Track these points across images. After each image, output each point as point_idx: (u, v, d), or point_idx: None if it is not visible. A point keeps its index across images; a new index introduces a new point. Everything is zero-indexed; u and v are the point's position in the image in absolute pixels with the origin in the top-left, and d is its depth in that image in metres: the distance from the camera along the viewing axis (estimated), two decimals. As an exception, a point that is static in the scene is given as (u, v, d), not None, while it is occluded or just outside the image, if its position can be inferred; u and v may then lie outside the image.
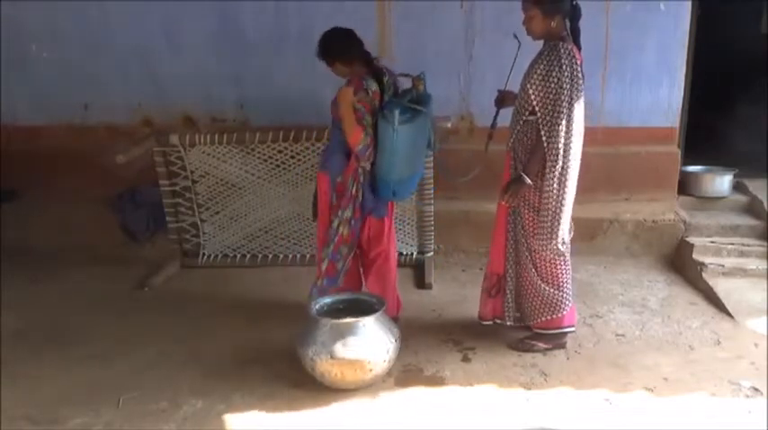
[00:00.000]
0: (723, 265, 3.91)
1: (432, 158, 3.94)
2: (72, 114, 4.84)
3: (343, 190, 3.05)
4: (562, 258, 3.03)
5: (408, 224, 4.29)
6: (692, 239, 4.22)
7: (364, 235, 3.21)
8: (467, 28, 4.47)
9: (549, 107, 2.79)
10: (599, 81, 4.54)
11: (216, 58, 4.66)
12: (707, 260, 3.98)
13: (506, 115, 3.08)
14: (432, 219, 4.20)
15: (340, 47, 2.99)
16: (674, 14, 4.45)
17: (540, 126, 2.83)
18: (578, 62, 2.80)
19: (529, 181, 2.89)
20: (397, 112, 2.84)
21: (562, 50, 2.74)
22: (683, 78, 4.57)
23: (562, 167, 2.83)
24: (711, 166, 4.78)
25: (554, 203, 2.88)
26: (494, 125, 3.16)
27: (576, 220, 4.53)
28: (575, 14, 2.86)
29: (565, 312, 3.07)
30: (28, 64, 4.78)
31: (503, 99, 3.15)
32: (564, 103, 2.76)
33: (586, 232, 4.42)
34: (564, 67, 2.73)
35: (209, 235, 4.42)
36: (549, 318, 3.07)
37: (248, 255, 4.40)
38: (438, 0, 4.45)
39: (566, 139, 2.81)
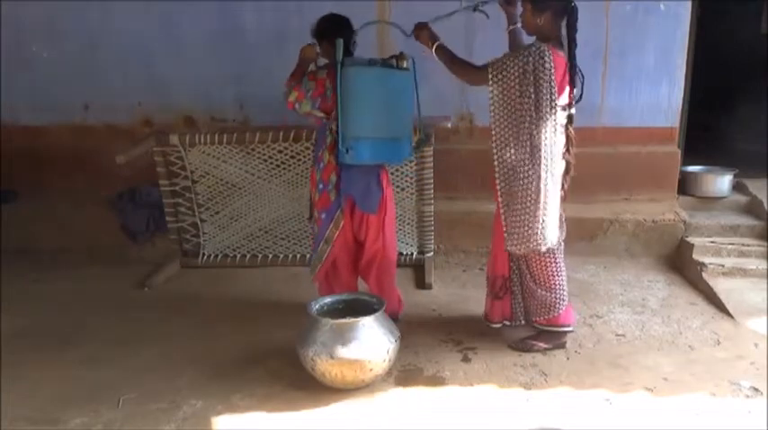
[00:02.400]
0: (723, 265, 3.91)
1: (431, 158, 3.96)
2: (72, 114, 4.84)
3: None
4: (552, 259, 3.00)
5: (408, 224, 4.29)
6: (692, 239, 4.22)
7: (361, 233, 3.22)
8: (467, 27, 4.47)
9: (498, 106, 2.80)
10: (599, 81, 4.54)
11: (216, 58, 4.67)
12: (707, 260, 3.98)
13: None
14: (432, 219, 4.20)
15: (325, 27, 3.08)
16: (674, 14, 4.45)
17: (491, 125, 2.83)
18: (552, 67, 2.71)
19: (433, 51, 2.91)
20: (341, 45, 2.86)
21: (534, 50, 2.71)
22: (683, 78, 4.57)
23: (532, 168, 2.79)
24: (711, 166, 4.78)
25: (529, 203, 2.82)
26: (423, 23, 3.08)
27: (576, 220, 4.53)
28: (571, 20, 2.78)
29: (559, 312, 3.06)
30: (28, 64, 4.78)
31: (420, 32, 3.06)
32: (528, 105, 2.73)
33: (586, 232, 4.43)
34: (528, 66, 2.69)
35: (209, 235, 4.42)
36: (543, 318, 3.08)
37: (248, 255, 4.40)
38: (438, 0, 4.45)
39: (534, 141, 2.76)
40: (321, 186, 3.12)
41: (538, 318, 3.10)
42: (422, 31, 3.00)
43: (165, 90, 4.74)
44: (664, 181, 4.66)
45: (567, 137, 2.90)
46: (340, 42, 2.88)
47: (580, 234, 4.44)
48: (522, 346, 3.14)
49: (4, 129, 4.85)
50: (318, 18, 3.13)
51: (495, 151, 2.85)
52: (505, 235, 2.92)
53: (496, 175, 2.88)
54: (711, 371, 2.91)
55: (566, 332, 3.14)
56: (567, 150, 2.93)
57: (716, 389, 2.77)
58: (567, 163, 2.96)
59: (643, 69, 4.56)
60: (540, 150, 2.78)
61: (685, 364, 2.99)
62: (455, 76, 2.98)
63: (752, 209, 4.53)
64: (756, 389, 2.76)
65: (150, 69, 4.72)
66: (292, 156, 4.15)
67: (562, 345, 3.14)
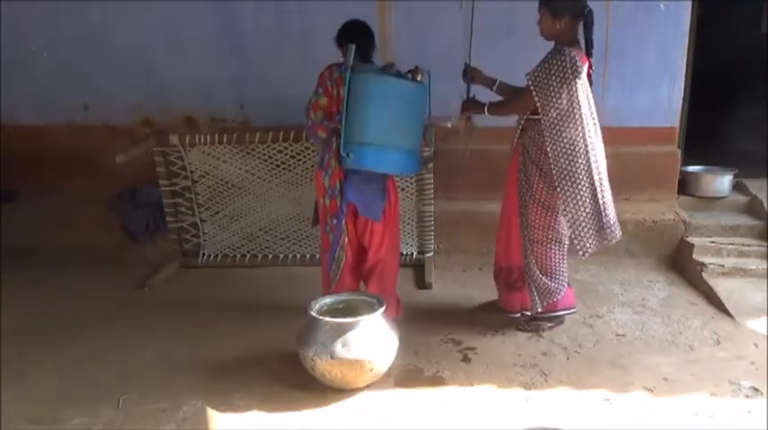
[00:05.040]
0: (723, 265, 3.91)
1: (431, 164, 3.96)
2: (72, 114, 4.84)
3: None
4: (557, 247, 3.16)
5: (408, 224, 4.29)
6: (692, 239, 4.22)
7: (365, 239, 3.23)
8: (467, 28, 4.47)
9: (550, 110, 2.89)
10: (599, 81, 4.52)
11: (216, 59, 4.66)
12: (707, 260, 3.98)
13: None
14: (432, 219, 4.20)
15: (344, 33, 3.11)
16: (674, 14, 4.45)
17: (544, 131, 2.92)
18: (583, 67, 2.88)
19: (486, 111, 3.11)
20: (352, 50, 2.89)
21: (566, 54, 2.83)
22: (683, 78, 4.57)
23: (572, 169, 2.92)
24: (711, 166, 4.77)
25: (573, 206, 2.97)
26: (469, 98, 3.27)
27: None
28: (588, 22, 2.94)
29: (558, 297, 3.21)
30: (28, 64, 4.78)
31: (467, 73, 3.26)
32: (562, 106, 2.86)
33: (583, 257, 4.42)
34: (567, 70, 2.82)
35: (209, 235, 4.42)
36: (544, 304, 3.22)
37: (248, 255, 4.40)
38: (438, 0, 4.46)
39: (572, 142, 2.90)
40: (330, 192, 3.13)
41: (539, 308, 3.24)
42: (468, 107, 3.24)
43: (165, 90, 4.74)
44: (664, 181, 4.65)
45: None
46: (351, 48, 2.89)
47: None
48: (530, 327, 3.28)
49: (4, 129, 4.85)
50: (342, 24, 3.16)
51: (553, 157, 2.95)
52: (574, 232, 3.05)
53: (557, 177, 2.95)
54: (711, 371, 2.91)
55: (569, 313, 3.32)
56: None
57: (716, 389, 2.77)
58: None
59: (643, 69, 4.55)
60: (588, 148, 2.95)
61: (685, 364, 2.99)
62: (511, 114, 3.16)
63: (752, 209, 4.53)
64: (756, 389, 2.76)
65: (150, 69, 4.72)
66: (292, 157, 4.15)
67: (561, 322, 3.33)
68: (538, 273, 3.17)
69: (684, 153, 4.78)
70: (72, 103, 4.82)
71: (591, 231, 3.01)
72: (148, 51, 4.68)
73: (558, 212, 3.07)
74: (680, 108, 4.64)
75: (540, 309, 3.23)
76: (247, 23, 4.61)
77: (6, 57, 4.75)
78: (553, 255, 3.16)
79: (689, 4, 4.46)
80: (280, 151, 4.13)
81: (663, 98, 4.60)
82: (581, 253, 3.04)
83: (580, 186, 2.94)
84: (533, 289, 3.20)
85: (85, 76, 4.76)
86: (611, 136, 4.59)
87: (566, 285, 3.25)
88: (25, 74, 4.79)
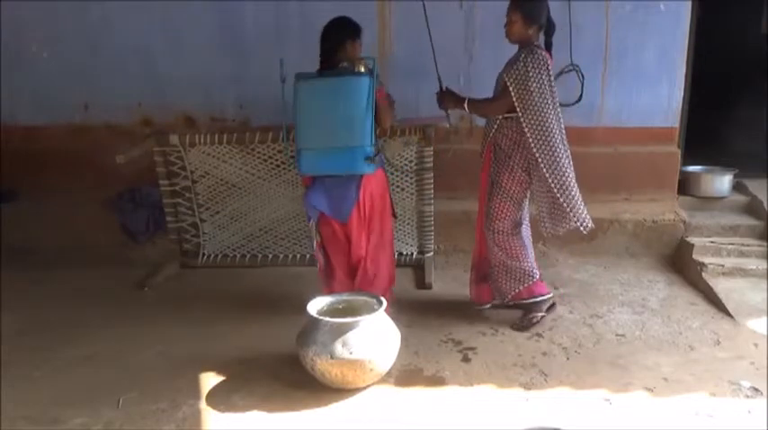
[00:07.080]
0: (723, 265, 3.91)
1: (431, 158, 3.96)
2: (72, 114, 4.84)
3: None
4: (516, 233, 3.30)
5: (408, 224, 4.29)
6: (692, 239, 4.22)
7: (352, 240, 3.26)
8: (467, 28, 4.47)
9: (531, 105, 3.03)
10: (599, 81, 4.54)
11: (216, 58, 4.67)
12: (707, 260, 3.98)
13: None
14: (432, 219, 4.20)
15: (323, 34, 3.16)
16: (674, 14, 4.45)
17: (525, 125, 3.06)
18: (550, 63, 3.09)
19: (466, 107, 3.21)
20: (282, 65, 2.96)
21: (538, 54, 3.03)
22: (683, 78, 4.57)
23: (553, 159, 3.08)
24: (711, 166, 4.78)
25: (565, 189, 3.13)
26: (443, 91, 3.32)
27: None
28: (549, 29, 3.16)
29: (533, 280, 3.31)
30: (28, 64, 4.79)
31: (444, 99, 3.30)
32: (540, 101, 3.03)
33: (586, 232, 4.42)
34: (542, 68, 3.02)
35: (209, 235, 4.42)
36: (519, 288, 3.31)
37: (248, 255, 4.40)
38: (438, 0, 4.45)
39: (550, 132, 3.07)
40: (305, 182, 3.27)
41: (515, 292, 3.32)
42: (445, 99, 3.28)
43: (165, 90, 4.74)
44: (664, 181, 4.66)
45: None
46: (281, 62, 2.98)
47: (580, 234, 4.44)
48: (524, 324, 3.32)
49: (4, 129, 4.85)
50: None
51: (537, 149, 3.08)
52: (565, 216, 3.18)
53: (545, 166, 3.08)
54: (711, 371, 2.91)
55: (547, 299, 3.37)
56: None
57: (716, 389, 2.77)
58: None
59: (643, 69, 4.56)
60: (562, 139, 3.15)
61: (685, 364, 2.99)
62: (492, 115, 3.24)
63: (752, 209, 4.53)
64: (756, 389, 2.76)
65: (150, 69, 4.72)
66: (292, 156, 4.12)
67: (553, 309, 3.39)
68: (507, 259, 3.29)
69: (684, 153, 4.78)
70: (72, 102, 4.83)
71: (583, 206, 3.19)
72: (148, 51, 4.69)
73: (520, 203, 3.25)
74: (680, 108, 4.65)
75: (506, 298, 3.35)
76: (247, 23, 4.61)
77: (6, 57, 4.75)
78: (515, 240, 3.29)
79: (689, 4, 4.47)
80: (280, 151, 4.12)
81: (663, 98, 4.61)
82: (583, 227, 3.20)
83: (566, 170, 3.10)
84: (505, 278, 3.32)
85: (85, 76, 4.76)
86: (611, 136, 4.65)
87: (537, 268, 3.36)
88: (25, 74, 4.79)
